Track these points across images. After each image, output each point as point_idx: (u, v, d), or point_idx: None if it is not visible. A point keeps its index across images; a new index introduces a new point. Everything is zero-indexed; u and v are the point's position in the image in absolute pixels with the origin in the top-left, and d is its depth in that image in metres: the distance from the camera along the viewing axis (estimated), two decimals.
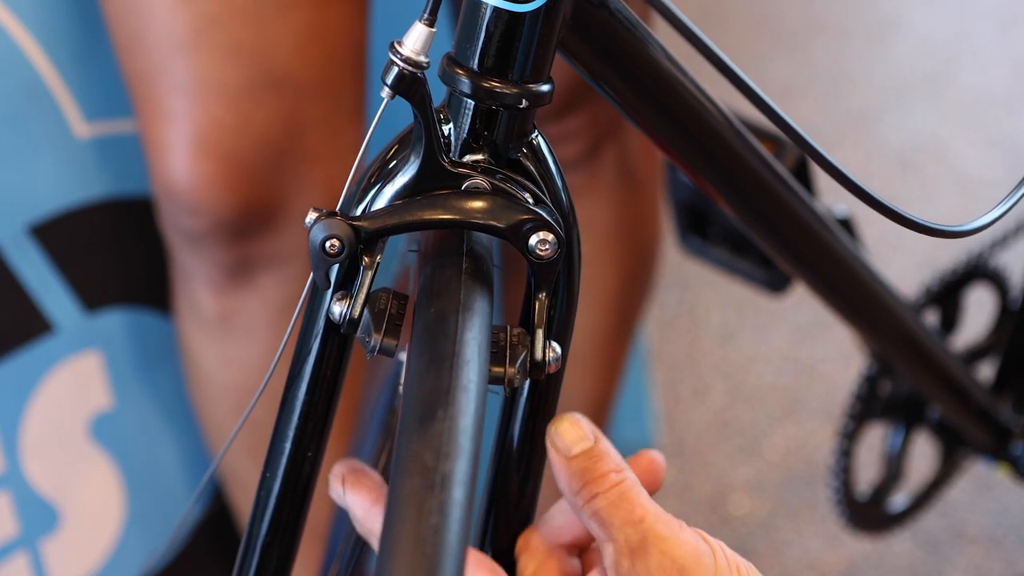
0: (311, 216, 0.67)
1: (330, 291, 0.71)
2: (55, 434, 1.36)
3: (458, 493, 0.52)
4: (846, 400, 1.54)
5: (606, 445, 0.63)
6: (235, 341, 1.28)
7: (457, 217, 0.66)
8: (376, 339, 0.63)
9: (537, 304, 0.68)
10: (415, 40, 0.64)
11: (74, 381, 1.35)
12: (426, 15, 0.64)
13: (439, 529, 0.50)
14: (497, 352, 0.65)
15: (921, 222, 0.74)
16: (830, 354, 2.26)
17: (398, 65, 0.64)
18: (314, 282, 0.74)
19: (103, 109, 1.30)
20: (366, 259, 0.65)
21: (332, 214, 0.66)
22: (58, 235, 1.31)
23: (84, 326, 1.35)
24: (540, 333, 0.67)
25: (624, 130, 1.37)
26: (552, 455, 0.63)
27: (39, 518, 1.36)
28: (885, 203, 0.73)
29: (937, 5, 3.29)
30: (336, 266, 0.68)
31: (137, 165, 1.29)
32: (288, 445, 0.74)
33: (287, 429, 0.74)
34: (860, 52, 3.13)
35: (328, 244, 0.65)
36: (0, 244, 1.27)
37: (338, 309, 0.66)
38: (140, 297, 1.39)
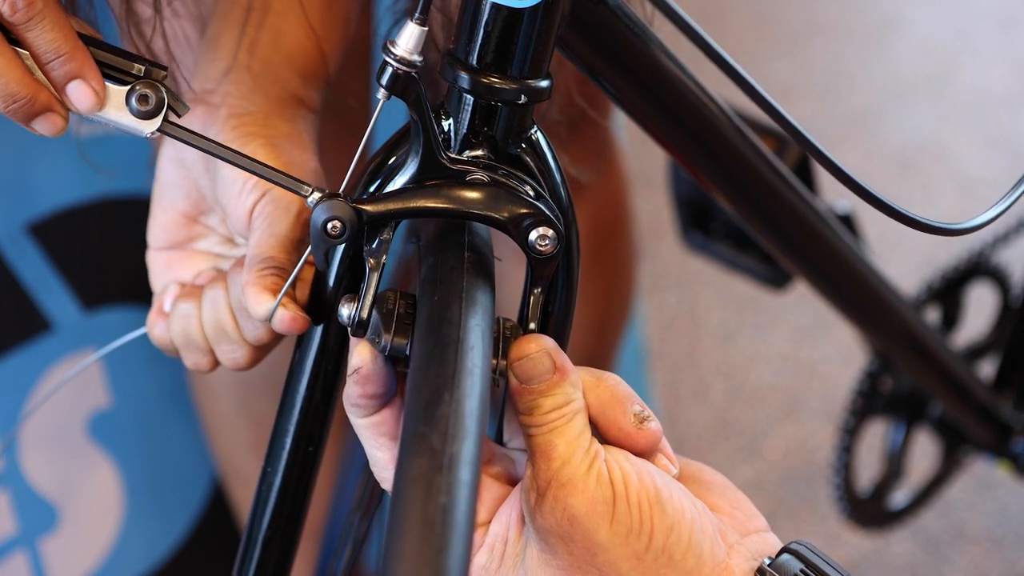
0: (314, 197, 0.67)
1: (331, 282, 0.71)
2: (54, 433, 1.36)
3: (465, 474, 0.52)
4: (846, 399, 1.54)
5: (564, 378, 0.64)
6: None
7: (459, 207, 0.66)
8: (387, 339, 0.63)
9: (532, 299, 0.68)
10: (408, 39, 0.64)
11: (73, 380, 1.35)
12: (418, 14, 0.64)
13: (448, 509, 0.50)
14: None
15: (920, 220, 0.74)
16: (830, 354, 2.26)
17: (392, 65, 0.63)
18: (317, 278, 0.74)
19: None
20: (371, 261, 0.65)
21: (335, 196, 0.66)
22: (57, 234, 1.31)
23: (83, 325, 1.35)
24: (532, 327, 0.68)
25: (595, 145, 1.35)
26: (510, 377, 0.64)
27: (38, 517, 1.36)
28: (885, 201, 0.73)
29: (937, 5, 3.29)
30: (337, 248, 0.68)
31: (136, 164, 1.29)
32: (288, 440, 0.75)
33: (287, 424, 0.75)
34: (860, 52, 3.13)
35: (330, 225, 0.65)
36: None
37: (346, 311, 0.66)
38: (139, 296, 1.39)
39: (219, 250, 0.82)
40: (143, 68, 0.68)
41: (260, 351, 0.77)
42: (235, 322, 0.76)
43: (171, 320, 0.79)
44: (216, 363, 0.79)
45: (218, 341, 0.77)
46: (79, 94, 0.67)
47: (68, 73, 0.67)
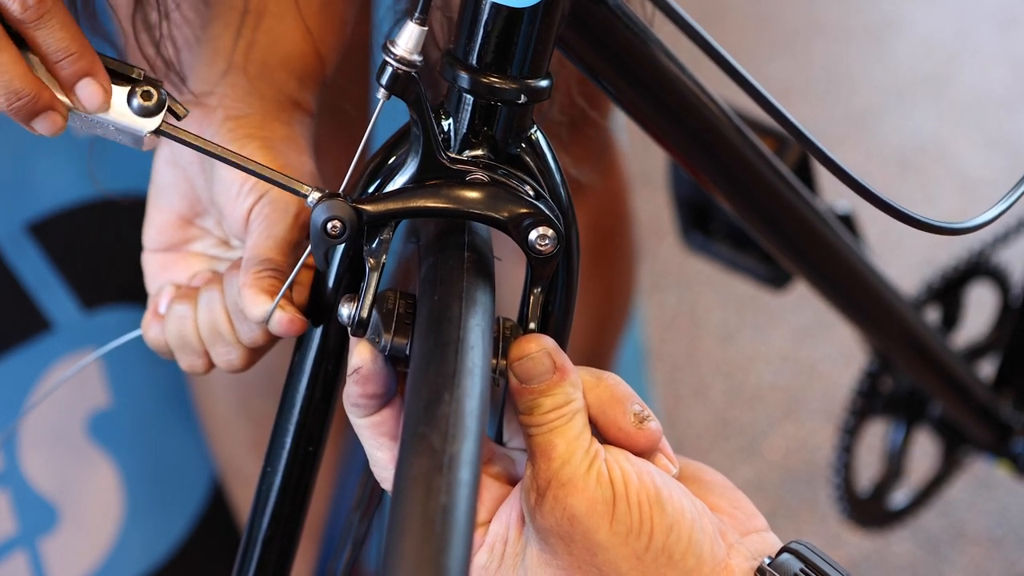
0: (313, 197, 0.67)
1: (331, 282, 0.71)
2: (54, 433, 1.36)
3: (465, 473, 0.52)
4: (846, 399, 1.54)
5: (564, 377, 0.64)
6: None
7: (459, 207, 0.66)
8: (387, 339, 0.63)
9: (531, 299, 0.68)
10: (408, 39, 0.64)
11: (72, 380, 1.35)
12: (418, 14, 0.64)
13: (448, 509, 0.50)
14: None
15: (922, 219, 0.74)
16: (830, 354, 2.26)
17: (392, 65, 0.63)
18: (317, 279, 0.74)
19: None
20: (371, 261, 0.65)
21: (335, 195, 0.66)
22: (57, 234, 1.31)
23: (83, 325, 1.35)
24: (532, 327, 0.68)
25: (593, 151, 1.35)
26: (510, 377, 0.64)
27: (38, 517, 1.36)
28: (886, 200, 0.73)
29: (937, 5, 3.29)
30: (336, 248, 0.68)
31: (136, 164, 1.29)
32: (288, 440, 0.75)
33: (287, 424, 0.75)
34: (860, 52, 3.13)
35: (330, 225, 0.65)
36: None
37: (346, 311, 0.66)
38: (138, 296, 1.38)
39: (214, 252, 0.82)
40: (142, 72, 0.68)
41: (255, 353, 0.77)
42: (230, 324, 0.76)
43: (166, 322, 0.79)
44: (211, 365, 0.79)
45: (213, 343, 0.77)
46: (88, 92, 0.68)
47: (78, 71, 0.67)
